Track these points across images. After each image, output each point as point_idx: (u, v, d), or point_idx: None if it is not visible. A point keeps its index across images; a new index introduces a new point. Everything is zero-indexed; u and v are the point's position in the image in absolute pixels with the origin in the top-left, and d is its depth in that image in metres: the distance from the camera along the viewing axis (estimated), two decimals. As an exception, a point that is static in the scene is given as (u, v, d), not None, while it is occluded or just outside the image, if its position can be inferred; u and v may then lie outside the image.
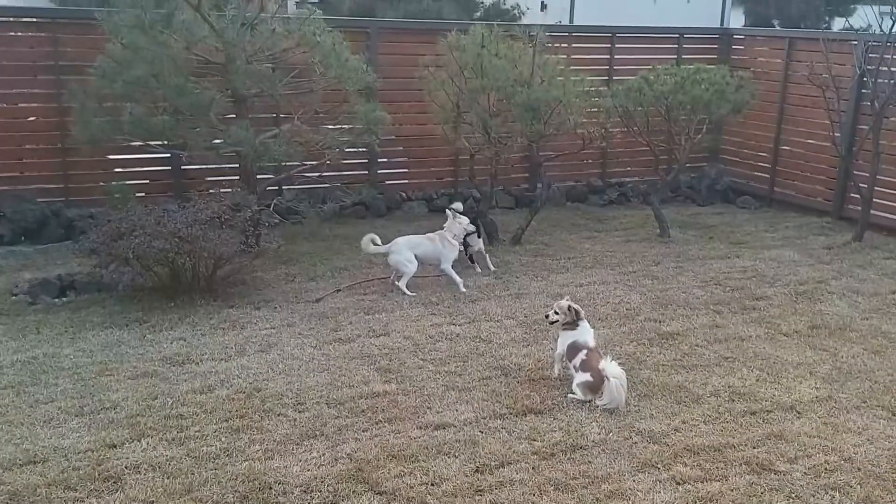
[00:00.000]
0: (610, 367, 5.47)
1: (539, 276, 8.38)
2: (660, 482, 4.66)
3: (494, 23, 9.76)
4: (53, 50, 9.37)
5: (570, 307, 5.87)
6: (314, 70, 8.62)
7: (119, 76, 7.88)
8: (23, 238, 9.26)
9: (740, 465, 4.86)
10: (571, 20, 27.51)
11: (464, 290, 7.83)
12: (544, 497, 4.48)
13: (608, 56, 12.02)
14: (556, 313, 5.90)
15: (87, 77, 8.33)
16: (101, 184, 9.08)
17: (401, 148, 11.31)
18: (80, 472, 4.60)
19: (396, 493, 4.47)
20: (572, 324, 5.85)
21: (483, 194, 10.02)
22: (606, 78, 11.71)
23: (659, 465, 4.83)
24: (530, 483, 4.60)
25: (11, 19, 10.04)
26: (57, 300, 7.46)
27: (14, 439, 4.95)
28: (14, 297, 7.43)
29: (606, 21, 16.41)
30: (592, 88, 9.82)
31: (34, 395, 5.56)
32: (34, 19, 9.95)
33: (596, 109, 9.99)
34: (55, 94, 9.35)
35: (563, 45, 11.30)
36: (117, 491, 4.43)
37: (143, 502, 4.32)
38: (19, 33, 9.77)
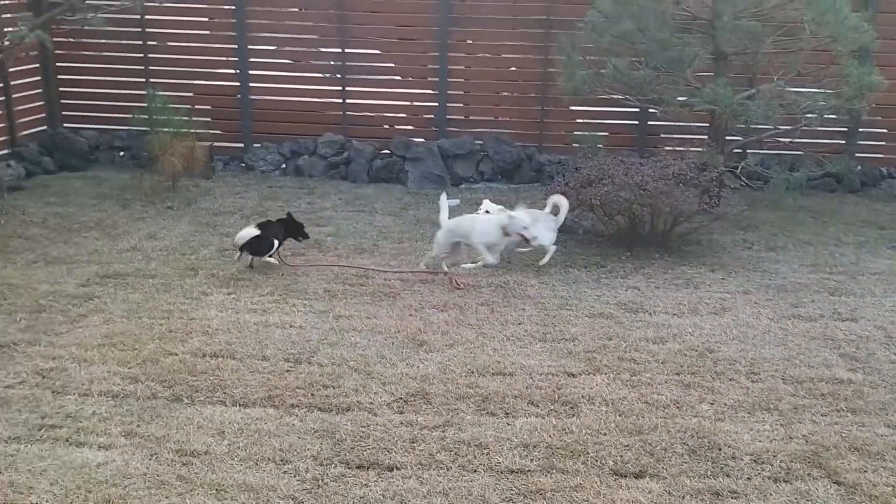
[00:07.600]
0: None
1: None
2: None
3: None
4: (546, 5, 10.10)
5: None
6: (803, 28, 8.05)
7: (607, 30, 8.23)
8: (500, 176, 10.36)
9: None
10: None
11: None
12: None
13: None
14: None
15: (575, 31, 8.83)
16: (563, 133, 9.61)
17: (882, 118, 10.09)
18: (542, 391, 5.03)
19: (857, 488, 4.10)
20: None
21: None
22: None
23: None
24: None
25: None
26: (526, 235, 8.20)
27: (488, 350, 5.59)
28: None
29: None
30: None
31: (504, 315, 6.20)
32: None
33: None
34: (542, 47, 10.11)
35: None
36: (574, 416, 4.75)
37: (596, 432, 4.57)
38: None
